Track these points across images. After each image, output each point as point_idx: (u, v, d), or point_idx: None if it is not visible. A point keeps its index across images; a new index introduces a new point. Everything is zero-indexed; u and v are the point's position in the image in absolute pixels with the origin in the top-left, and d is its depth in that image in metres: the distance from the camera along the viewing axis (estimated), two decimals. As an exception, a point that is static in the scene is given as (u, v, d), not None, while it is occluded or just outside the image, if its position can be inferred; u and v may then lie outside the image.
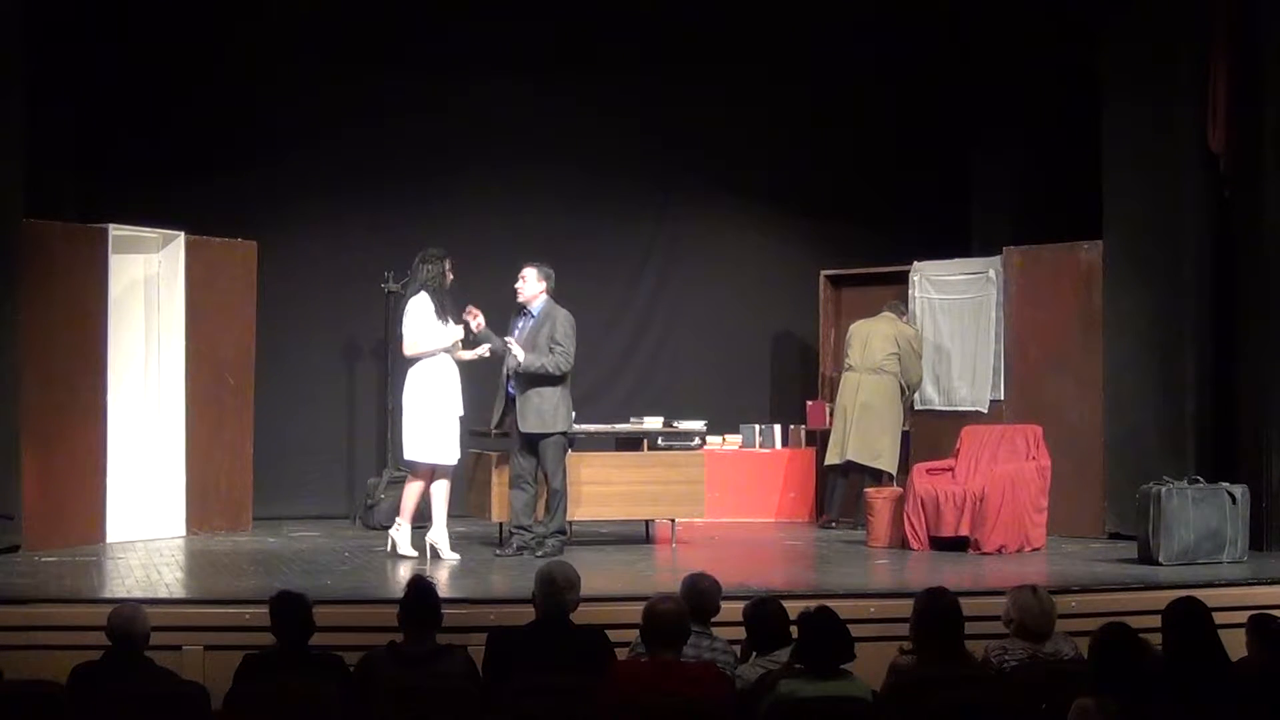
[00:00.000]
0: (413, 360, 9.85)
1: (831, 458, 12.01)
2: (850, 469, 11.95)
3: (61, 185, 11.28)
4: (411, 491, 9.92)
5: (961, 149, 12.97)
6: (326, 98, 12.46)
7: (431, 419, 9.78)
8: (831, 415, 12.26)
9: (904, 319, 12.11)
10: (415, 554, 9.84)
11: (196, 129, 12.21)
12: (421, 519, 10.05)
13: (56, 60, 10.96)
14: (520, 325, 10.03)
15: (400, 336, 9.95)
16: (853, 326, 12.17)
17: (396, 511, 10.15)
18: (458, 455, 9.94)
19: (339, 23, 12.46)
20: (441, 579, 8.98)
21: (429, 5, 12.57)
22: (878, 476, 11.81)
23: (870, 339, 11.94)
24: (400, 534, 9.90)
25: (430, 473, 9.87)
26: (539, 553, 9.68)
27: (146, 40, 12.02)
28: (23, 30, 10.10)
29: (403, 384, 10.00)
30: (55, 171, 11.11)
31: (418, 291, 9.87)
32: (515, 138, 12.82)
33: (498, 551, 10.04)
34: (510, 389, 9.97)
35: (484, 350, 9.94)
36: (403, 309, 9.96)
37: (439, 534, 9.89)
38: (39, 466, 10.20)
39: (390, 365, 12.12)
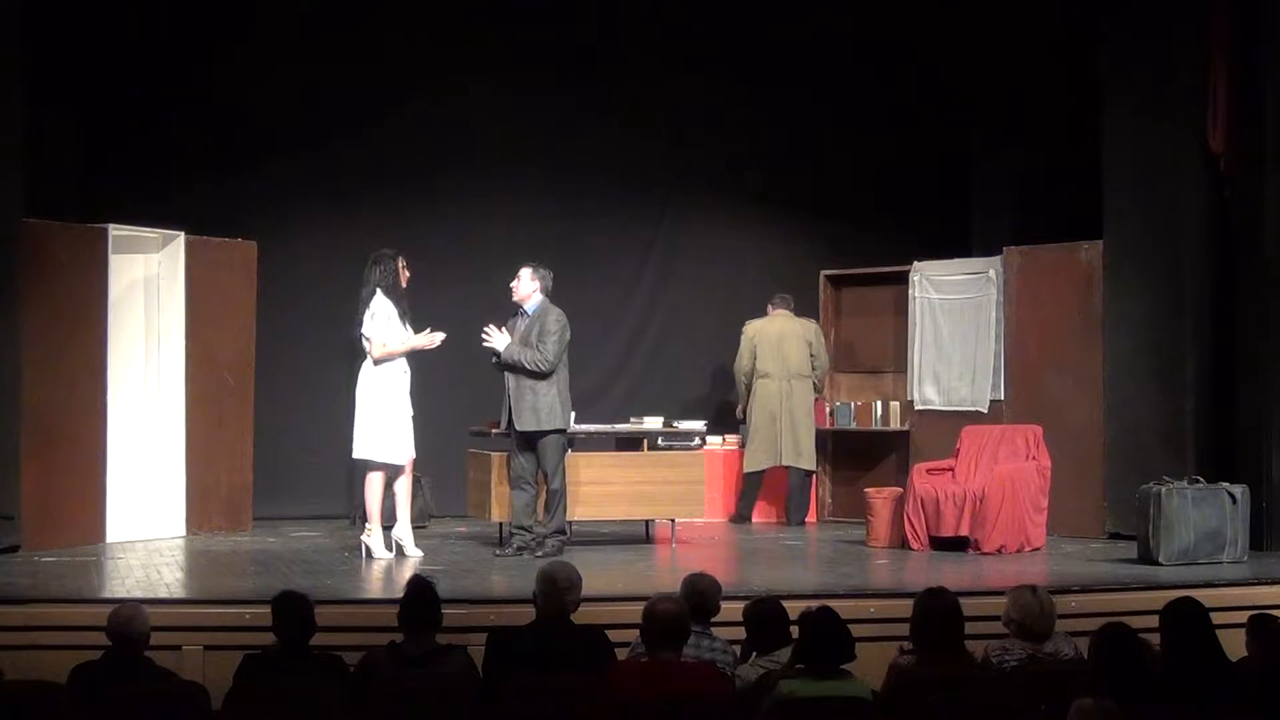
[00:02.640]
0: (376, 361, 9.90)
1: (761, 463, 12.24)
2: (773, 471, 12.31)
3: (61, 185, 11.27)
4: (374, 494, 9.93)
5: (961, 149, 12.97)
6: (326, 98, 12.46)
7: (383, 419, 9.84)
8: (752, 419, 12.43)
9: (790, 308, 12.40)
10: (390, 555, 9.87)
11: (196, 129, 12.21)
12: (419, 519, 10.11)
13: (56, 60, 10.96)
14: (516, 325, 10.05)
15: (362, 338, 9.96)
16: (752, 330, 12.34)
17: (394, 513, 10.15)
18: (411, 455, 9.97)
19: (339, 23, 12.46)
20: (441, 579, 8.98)
21: (429, 6, 12.57)
22: (808, 472, 12.34)
23: (783, 344, 12.24)
24: (373, 539, 9.91)
25: (385, 472, 9.91)
26: (539, 553, 9.69)
27: (146, 41, 12.02)
28: (23, 31, 10.10)
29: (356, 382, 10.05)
30: (55, 171, 11.10)
31: (373, 293, 9.92)
32: (515, 138, 12.82)
33: (497, 551, 10.04)
34: (508, 388, 9.98)
35: (425, 340, 9.91)
36: (360, 312, 9.97)
37: (404, 531, 9.99)
38: (39, 466, 10.20)
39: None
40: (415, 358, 10.05)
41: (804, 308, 13.05)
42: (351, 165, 12.57)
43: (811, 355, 12.29)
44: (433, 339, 9.93)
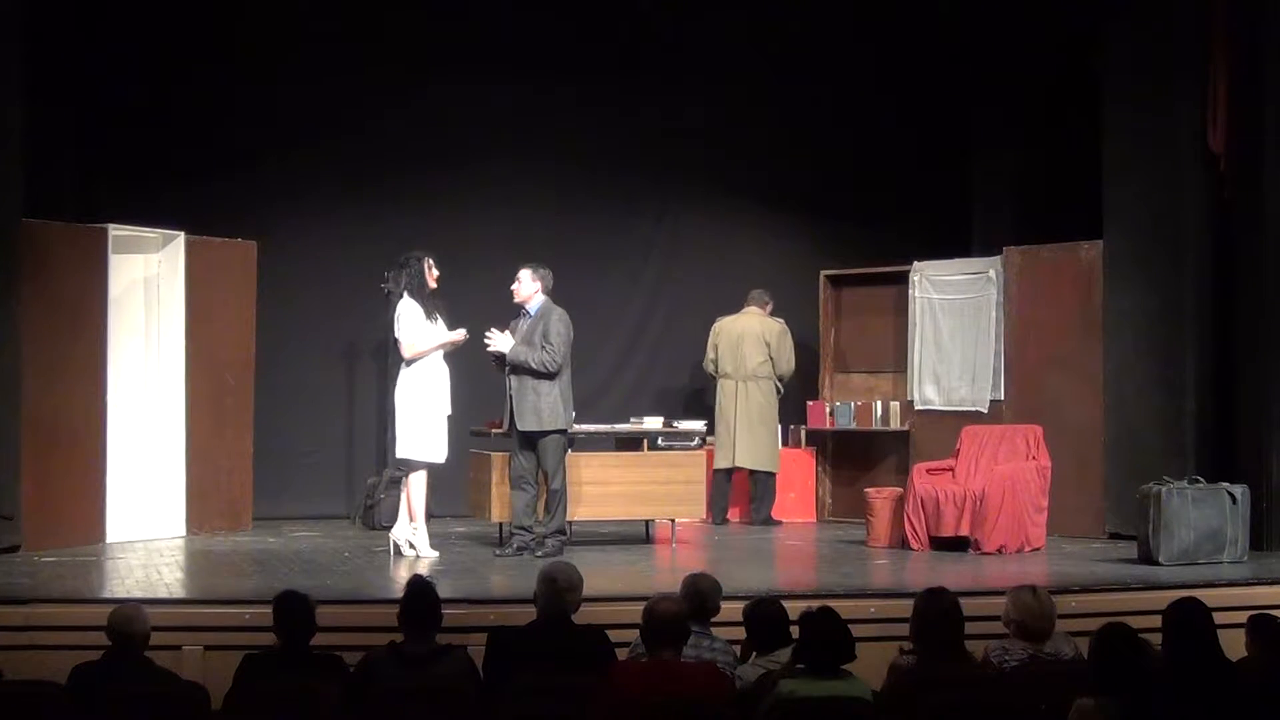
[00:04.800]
0: (408, 362, 9.92)
1: (721, 462, 12.25)
2: (737, 470, 12.27)
3: (61, 185, 11.28)
4: (418, 493, 9.94)
5: (961, 149, 12.97)
6: (326, 97, 12.46)
7: (423, 419, 9.85)
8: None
9: (767, 309, 12.44)
10: (435, 554, 9.89)
11: (196, 129, 12.21)
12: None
13: (56, 60, 10.96)
14: (519, 326, 10.06)
15: (397, 342, 10.01)
16: (718, 325, 12.44)
17: (398, 514, 10.15)
18: (445, 454, 10.00)
19: (339, 22, 12.47)
20: (441, 579, 8.98)
21: (429, 4, 12.57)
22: (770, 474, 12.31)
23: (741, 343, 12.31)
24: (418, 537, 9.93)
25: (427, 470, 9.93)
26: (539, 553, 9.69)
27: (146, 40, 12.02)
28: (22, 30, 10.10)
29: (395, 385, 10.09)
30: (55, 171, 11.11)
31: (401, 296, 9.95)
32: (515, 137, 12.83)
33: (498, 551, 10.04)
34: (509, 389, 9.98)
35: (457, 336, 9.93)
36: (392, 315, 10.02)
37: (402, 530, 10.02)
38: (39, 466, 10.20)
39: (390, 365, 12.13)
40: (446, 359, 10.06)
41: (804, 308, 13.07)
42: (351, 165, 12.58)
43: (770, 356, 12.29)
44: (455, 336, 9.92)
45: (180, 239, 11.24)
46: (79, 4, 11.41)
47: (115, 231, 10.82)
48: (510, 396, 9.96)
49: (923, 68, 13.06)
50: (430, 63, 12.62)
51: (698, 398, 13.02)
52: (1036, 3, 12.12)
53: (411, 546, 9.93)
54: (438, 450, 9.93)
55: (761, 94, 13.19)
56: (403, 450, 9.95)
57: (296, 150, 12.45)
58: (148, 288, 11.24)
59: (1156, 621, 5.77)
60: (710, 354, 12.46)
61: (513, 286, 10.08)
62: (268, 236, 11.88)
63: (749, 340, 12.30)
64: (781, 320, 12.47)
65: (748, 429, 12.21)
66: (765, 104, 13.22)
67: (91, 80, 11.62)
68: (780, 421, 12.94)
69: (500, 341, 9.92)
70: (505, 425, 10.04)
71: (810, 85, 13.16)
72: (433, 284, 10.01)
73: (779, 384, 12.41)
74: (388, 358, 12.14)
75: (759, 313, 12.41)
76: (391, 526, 10.18)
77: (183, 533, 11.09)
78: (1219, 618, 5.71)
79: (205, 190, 12.05)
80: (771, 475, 12.36)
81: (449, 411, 10.00)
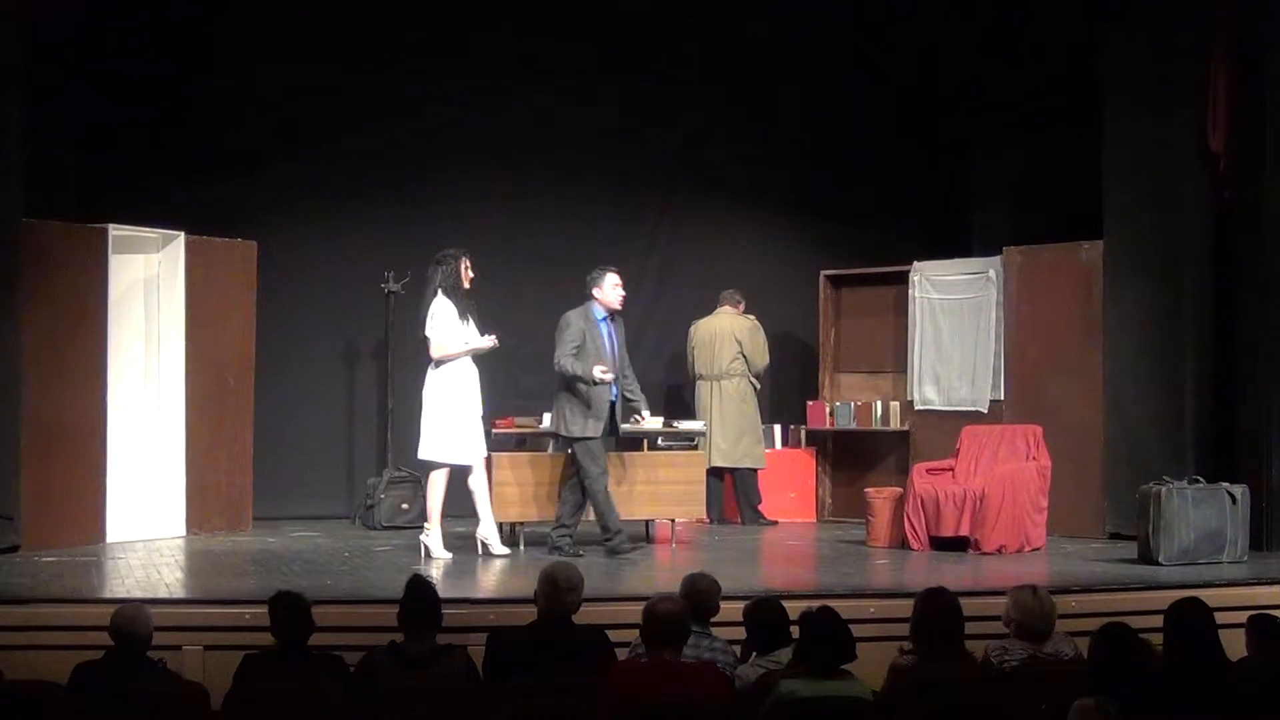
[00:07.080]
0: (436, 362, 9.83)
1: (708, 463, 12.20)
2: (722, 470, 12.24)
3: (61, 185, 11.27)
4: (434, 493, 9.87)
5: (961, 149, 12.97)
6: (327, 98, 12.46)
7: (451, 419, 9.78)
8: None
9: (740, 308, 12.43)
10: (449, 555, 9.83)
11: (196, 129, 12.21)
12: (420, 518, 10.08)
13: (57, 60, 10.96)
14: (608, 333, 10.08)
15: (426, 340, 9.89)
16: (693, 328, 12.50)
17: (401, 513, 10.13)
18: (482, 454, 9.96)
19: (340, 23, 12.46)
20: (439, 578, 8.98)
21: (430, 6, 12.57)
22: (752, 471, 12.27)
23: (714, 344, 12.33)
24: (431, 538, 9.89)
25: (448, 472, 9.85)
26: (626, 549, 9.90)
27: (147, 40, 12.01)
28: (23, 30, 10.10)
29: (421, 383, 10.00)
30: (55, 171, 11.11)
31: (434, 294, 9.86)
32: (515, 138, 12.82)
33: (501, 552, 9.99)
34: (616, 395, 10.10)
35: (487, 342, 9.90)
36: (423, 313, 9.88)
37: (488, 530, 9.96)
38: (39, 466, 10.20)
39: (390, 365, 12.14)
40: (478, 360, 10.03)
41: (804, 308, 13.07)
42: (351, 165, 12.57)
43: (743, 354, 12.28)
44: (484, 343, 9.85)
45: (180, 239, 11.24)
46: (79, 5, 11.40)
47: (115, 231, 10.82)
48: (614, 404, 10.06)
49: (923, 68, 13.05)
50: (430, 64, 12.60)
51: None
52: (1037, 3, 12.12)
53: (487, 548, 9.89)
54: (462, 451, 9.82)
55: (761, 95, 13.19)
56: (425, 451, 9.88)
57: (297, 151, 12.45)
58: (148, 288, 11.24)
59: (1156, 621, 5.77)
60: (689, 357, 12.49)
61: (623, 293, 10.17)
62: (268, 236, 11.88)
63: (721, 339, 12.30)
64: (752, 317, 12.43)
65: (723, 428, 12.18)
66: (765, 105, 13.22)
67: (92, 80, 11.61)
68: (779, 421, 12.98)
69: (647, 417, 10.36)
70: (604, 429, 10.02)
71: (810, 85, 13.15)
72: (467, 284, 9.96)
73: (755, 380, 12.38)
74: (388, 357, 12.19)
75: (731, 311, 12.41)
76: (391, 527, 10.16)
77: (183, 533, 11.09)
78: (1219, 618, 5.71)
79: (205, 190, 12.05)
80: (753, 472, 12.32)
81: (479, 412, 9.92)
